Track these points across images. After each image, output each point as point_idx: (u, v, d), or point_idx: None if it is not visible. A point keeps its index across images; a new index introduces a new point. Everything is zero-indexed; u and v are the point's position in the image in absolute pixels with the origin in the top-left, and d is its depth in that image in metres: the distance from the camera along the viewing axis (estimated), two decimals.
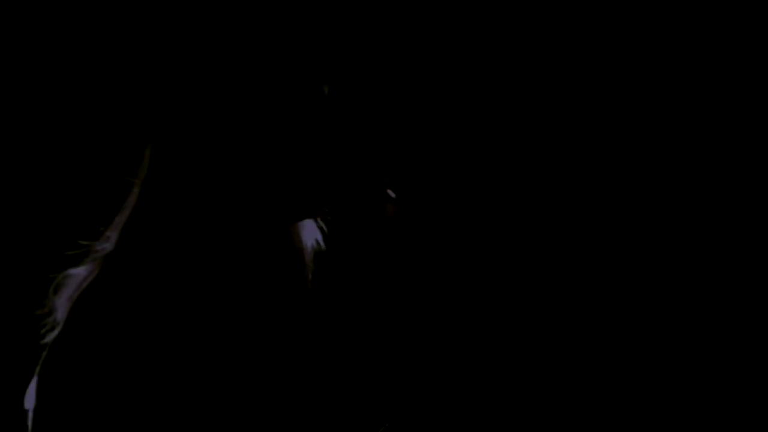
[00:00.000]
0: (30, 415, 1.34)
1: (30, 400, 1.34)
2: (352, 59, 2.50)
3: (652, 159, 2.72)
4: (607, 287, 2.70)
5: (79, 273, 1.41)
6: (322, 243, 1.51)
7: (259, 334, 1.40)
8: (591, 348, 2.68)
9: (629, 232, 2.72)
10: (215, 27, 1.42)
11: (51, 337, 1.37)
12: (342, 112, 1.44)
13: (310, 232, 1.50)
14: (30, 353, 1.38)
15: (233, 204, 1.39)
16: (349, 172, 1.45)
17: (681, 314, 2.69)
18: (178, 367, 1.30)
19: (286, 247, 1.48)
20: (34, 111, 2.61)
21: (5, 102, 2.62)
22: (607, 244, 2.71)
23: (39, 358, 1.34)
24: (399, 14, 2.61)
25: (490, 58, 2.65)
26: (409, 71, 2.55)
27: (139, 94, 2.45)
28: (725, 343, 2.67)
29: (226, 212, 1.39)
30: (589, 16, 2.71)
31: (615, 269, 2.71)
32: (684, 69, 2.72)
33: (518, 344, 2.66)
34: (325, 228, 1.51)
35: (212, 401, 1.31)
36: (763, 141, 2.70)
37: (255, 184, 1.38)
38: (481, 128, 2.57)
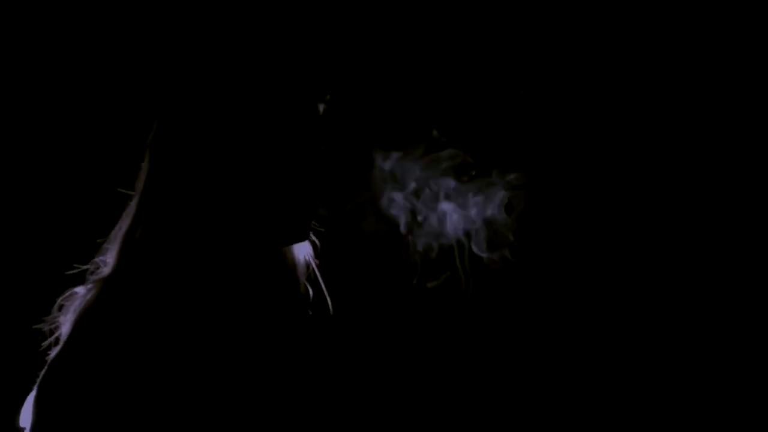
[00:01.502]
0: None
1: (25, 418, 1.35)
2: (349, 75, 2.49)
3: (652, 159, 2.72)
4: (606, 287, 2.70)
5: (82, 291, 1.42)
6: (314, 258, 1.52)
7: (256, 348, 1.42)
8: (590, 348, 2.68)
9: (629, 232, 2.71)
10: (213, 41, 1.43)
11: (53, 353, 1.38)
12: (336, 128, 1.45)
13: (302, 248, 1.51)
14: (32, 369, 1.39)
15: (229, 221, 1.40)
16: (341, 186, 1.46)
17: (681, 314, 2.69)
18: (177, 385, 1.32)
19: (279, 263, 1.49)
20: (26, 118, 2.58)
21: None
22: (606, 244, 2.71)
23: (39, 374, 1.36)
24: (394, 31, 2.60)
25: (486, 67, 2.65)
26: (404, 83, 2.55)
27: (137, 106, 2.43)
28: (725, 343, 2.67)
29: (223, 229, 1.40)
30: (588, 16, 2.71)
31: (614, 269, 2.71)
32: (684, 69, 2.71)
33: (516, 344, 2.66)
34: (317, 242, 1.52)
35: (210, 418, 1.32)
36: (764, 141, 2.69)
37: (251, 203, 1.39)
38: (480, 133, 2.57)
